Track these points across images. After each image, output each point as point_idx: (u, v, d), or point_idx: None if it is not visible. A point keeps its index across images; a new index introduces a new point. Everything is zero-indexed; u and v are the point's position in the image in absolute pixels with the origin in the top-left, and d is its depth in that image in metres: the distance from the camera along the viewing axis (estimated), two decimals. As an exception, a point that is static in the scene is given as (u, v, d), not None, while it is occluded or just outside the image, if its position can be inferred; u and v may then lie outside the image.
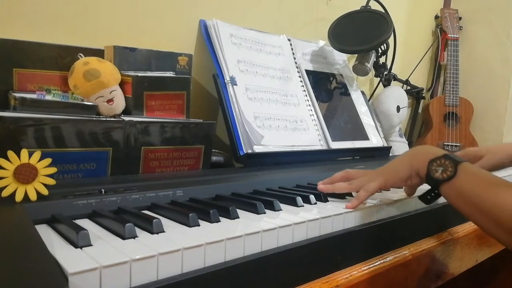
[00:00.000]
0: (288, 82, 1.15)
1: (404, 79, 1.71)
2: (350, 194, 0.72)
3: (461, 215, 0.60)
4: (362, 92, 1.40)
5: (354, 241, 0.61)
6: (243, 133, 0.96)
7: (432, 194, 0.65)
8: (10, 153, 0.51)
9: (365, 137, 1.29)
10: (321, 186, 0.71)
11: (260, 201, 0.60)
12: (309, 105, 1.17)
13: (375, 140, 1.31)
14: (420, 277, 0.70)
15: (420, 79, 2.00)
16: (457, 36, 1.93)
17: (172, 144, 0.83)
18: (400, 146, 1.55)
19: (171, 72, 0.96)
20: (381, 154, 1.31)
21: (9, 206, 0.50)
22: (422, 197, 0.67)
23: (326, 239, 0.56)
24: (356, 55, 1.37)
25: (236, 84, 1.01)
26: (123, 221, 0.46)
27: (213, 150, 0.92)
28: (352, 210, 0.62)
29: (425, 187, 0.67)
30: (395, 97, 1.50)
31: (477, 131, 1.91)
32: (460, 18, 1.97)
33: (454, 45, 1.91)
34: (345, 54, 1.40)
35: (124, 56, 0.90)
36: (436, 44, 2.02)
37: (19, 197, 0.51)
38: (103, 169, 0.75)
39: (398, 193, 0.76)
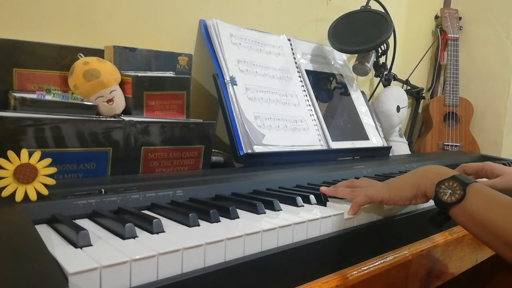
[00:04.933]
0: (288, 82, 1.15)
1: (404, 79, 1.71)
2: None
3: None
4: (362, 92, 1.40)
5: (354, 241, 0.61)
6: (243, 133, 0.96)
7: (442, 217, 0.62)
8: (10, 153, 0.51)
9: (365, 137, 1.29)
10: (324, 189, 0.70)
11: (260, 201, 0.60)
12: (309, 105, 1.17)
13: (375, 140, 1.31)
14: (420, 277, 0.70)
15: (420, 79, 2.00)
16: (457, 36, 1.93)
17: (172, 144, 0.83)
18: (400, 146, 1.55)
19: (171, 72, 0.96)
20: (381, 154, 1.31)
21: (9, 206, 0.50)
22: (432, 221, 0.64)
23: (326, 239, 0.56)
24: (356, 55, 1.37)
25: (236, 84, 1.01)
26: (123, 221, 0.46)
27: (213, 150, 0.92)
28: (352, 211, 0.62)
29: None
30: (395, 97, 1.50)
31: (477, 131, 1.91)
32: (460, 18, 1.97)
33: (454, 45, 1.91)
34: (345, 54, 1.40)
35: (124, 56, 0.90)
36: (436, 44, 2.02)
37: (19, 197, 0.51)
38: (103, 169, 0.75)
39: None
